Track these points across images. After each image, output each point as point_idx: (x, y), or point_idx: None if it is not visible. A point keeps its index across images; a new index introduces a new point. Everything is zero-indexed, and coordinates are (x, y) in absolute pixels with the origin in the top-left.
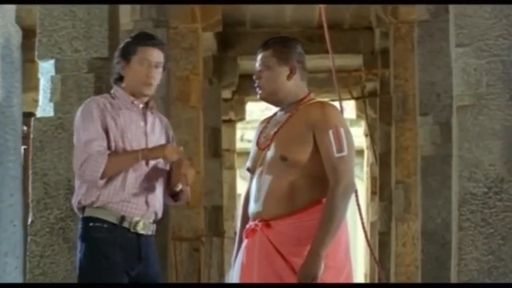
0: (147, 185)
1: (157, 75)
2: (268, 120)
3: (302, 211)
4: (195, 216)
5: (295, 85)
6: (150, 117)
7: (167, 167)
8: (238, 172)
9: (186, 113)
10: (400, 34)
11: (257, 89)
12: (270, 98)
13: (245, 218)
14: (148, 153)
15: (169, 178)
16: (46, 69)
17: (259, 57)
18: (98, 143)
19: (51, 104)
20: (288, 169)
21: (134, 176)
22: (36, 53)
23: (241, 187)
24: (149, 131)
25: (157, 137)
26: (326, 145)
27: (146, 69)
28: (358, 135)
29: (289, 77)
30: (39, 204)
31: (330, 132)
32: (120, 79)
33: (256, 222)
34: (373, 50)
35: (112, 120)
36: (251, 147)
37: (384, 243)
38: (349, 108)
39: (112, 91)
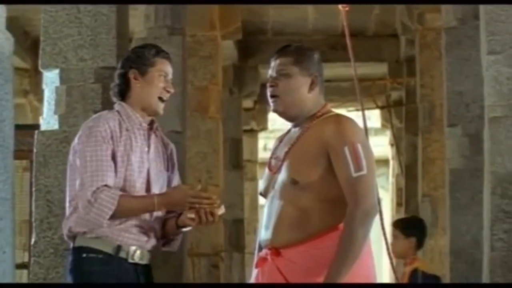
0: (153, 214)
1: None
2: (281, 138)
3: (315, 238)
4: (214, 230)
5: (314, 99)
6: (153, 140)
7: None
8: (260, 182)
9: (205, 124)
10: (426, 41)
11: (271, 100)
12: (287, 111)
13: (260, 246)
14: (162, 202)
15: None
16: (50, 79)
17: (276, 63)
18: (107, 178)
19: (56, 117)
20: (299, 193)
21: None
22: (39, 62)
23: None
24: (152, 157)
25: (160, 165)
26: (342, 164)
27: (164, 82)
28: (383, 145)
29: (310, 89)
30: (42, 224)
31: (346, 149)
32: (123, 93)
33: (267, 250)
34: (398, 58)
35: (120, 146)
36: (266, 168)
37: None
38: (374, 117)
39: (116, 108)
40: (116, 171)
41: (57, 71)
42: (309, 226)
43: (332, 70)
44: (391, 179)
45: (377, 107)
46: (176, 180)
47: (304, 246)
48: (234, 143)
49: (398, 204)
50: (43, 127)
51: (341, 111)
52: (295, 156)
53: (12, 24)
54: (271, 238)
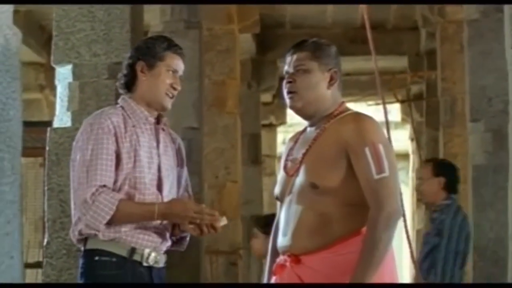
0: None
1: (179, 86)
2: (296, 138)
3: (337, 243)
4: (232, 228)
5: (332, 96)
6: (162, 135)
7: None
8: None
9: (223, 119)
10: (447, 34)
11: (289, 96)
12: (305, 108)
13: (275, 251)
14: (163, 212)
15: None
16: (63, 75)
17: (293, 58)
18: (106, 177)
19: (69, 113)
20: (319, 197)
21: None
22: (52, 57)
23: None
24: (162, 152)
25: (170, 160)
26: (363, 167)
27: (172, 79)
28: (403, 139)
29: (329, 85)
30: (55, 224)
31: (367, 150)
32: (130, 85)
33: (285, 257)
34: (419, 51)
35: (125, 143)
36: (280, 169)
37: None
38: (394, 111)
39: (120, 102)
40: (122, 168)
41: (69, 66)
42: (331, 231)
43: (351, 63)
44: (411, 173)
45: (397, 101)
46: (184, 176)
47: (325, 253)
48: (252, 138)
49: (419, 199)
50: (55, 124)
51: (361, 105)
52: (313, 159)
53: (27, 18)
54: (290, 245)
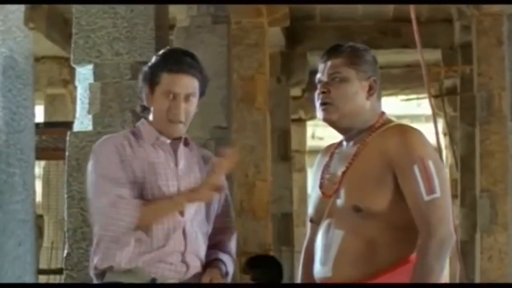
0: (185, 238)
1: (190, 108)
2: (331, 152)
3: (384, 273)
4: (262, 228)
5: (372, 107)
6: (183, 155)
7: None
8: (309, 172)
9: (252, 115)
10: (483, 27)
11: (322, 107)
12: (342, 121)
13: (307, 280)
14: (183, 193)
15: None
16: (83, 75)
17: (327, 65)
18: (123, 189)
19: (90, 116)
20: (363, 221)
21: (163, 227)
22: (71, 57)
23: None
24: (182, 173)
25: (196, 179)
26: (412, 187)
27: (171, 103)
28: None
29: (369, 95)
30: (75, 234)
31: (415, 168)
32: (145, 109)
33: None
34: (453, 45)
35: (132, 164)
36: (311, 187)
37: (466, 253)
38: (426, 104)
39: (137, 124)
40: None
41: (90, 66)
42: (377, 259)
43: (383, 56)
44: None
45: (431, 96)
46: (220, 203)
47: (372, 283)
48: (282, 134)
49: (453, 196)
50: (76, 128)
51: (393, 99)
52: (355, 178)
53: (50, 12)
54: (332, 275)
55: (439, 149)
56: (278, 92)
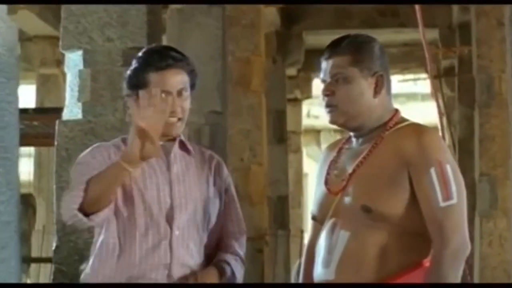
0: (171, 250)
1: (184, 103)
2: (339, 148)
3: (393, 279)
4: (258, 213)
5: (382, 103)
6: (178, 158)
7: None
8: (304, 151)
9: (248, 98)
10: (483, 8)
11: (328, 110)
12: (349, 123)
13: (308, 280)
14: (124, 152)
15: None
16: (73, 61)
17: (328, 63)
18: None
19: (79, 105)
20: (373, 223)
21: (147, 241)
22: (60, 43)
23: (308, 166)
24: (175, 177)
25: (190, 185)
26: (427, 191)
27: (165, 105)
28: (433, 112)
29: (376, 93)
30: (65, 227)
31: (432, 171)
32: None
33: None
34: (451, 24)
35: None
36: (316, 184)
37: None
38: (422, 82)
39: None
40: (117, 206)
41: (80, 52)
42: (386, 264)
43: (381, 36)
44: None
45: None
46: (221, 209)
47: (372, 283)
48: (278, 115)
49: None
50: (65, 116)
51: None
52: (366, 176)
53: None
54: (334, 279)
55: (442, 132)
56: (274, 72)
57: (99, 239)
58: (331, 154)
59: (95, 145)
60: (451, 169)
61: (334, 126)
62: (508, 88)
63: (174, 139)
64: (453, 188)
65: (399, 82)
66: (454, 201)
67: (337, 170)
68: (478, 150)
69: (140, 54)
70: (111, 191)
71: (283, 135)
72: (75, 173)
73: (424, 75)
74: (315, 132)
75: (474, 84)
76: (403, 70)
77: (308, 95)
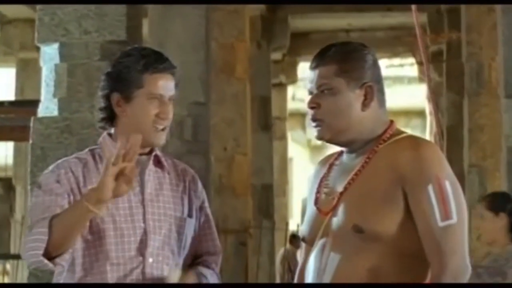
0: (144, 279)
1: (172, 112)
2: (330, 163)
3: None
4: (242, 205)
5: (373, 116)
6: (151, 176)
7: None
8: (289, 135)
9: (231, 86)
10: None
11: (314, 124)
12: (336, 139)
13: None
14: (89, 193)
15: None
16: (48, 55)
17: (315, 74)
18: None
19: (55, 101)
20: (365, 245)
21: (118, 269)
22: (35, 35)
23: (293, 151)
24: (149, 198)
25: (165, 206)
26: (424, 209)
27: (158, 107)
28: (419, 96)
29: (364, 106)
30: None
31: (430, 188)
32: (111, 120)
33: None
34: (439, 9)
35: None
36: (308, 201)
37: None
38: (409, 64)
39: (99, 141)
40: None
41: (56, 45)
42: None
43: (368, 19)
44: (428, 136)
45: (417, 63)
46: (196, 226)
47: (372, 283)
48: (262, 101)
49: None
50: (40, 113)
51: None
52: (358, 194)
53: None
54: None
55: (438, 126)
56: (259, 58)
57: (61, 276)
58: (322, 171)
59: (59, 161)
60: (451, 186)
61: None
62: (500, 77)
63: (149, 153)
64: (453, 207)
65: (387, 68)
66: (453, 220)
67: (327, 188)
68: (467, 140)
69: (134, 51)
70: (76, 233)
71: (267, 123)
72: (36, 207)
73: (411, 60)
74: (300, 116)
75: (463, 71)
76: (390, 54)
77: (293, 79)
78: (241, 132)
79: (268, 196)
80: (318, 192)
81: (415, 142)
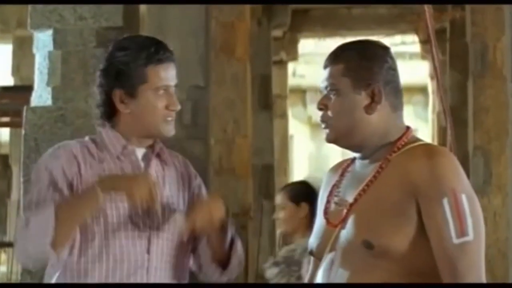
0: (148, 279)
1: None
2: (342, 171)
3: None
4: (243, 188)
5: (383, 121)
6: (154, 167)
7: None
8: (290, 112)
9: (231, 67)
10: None
11: (323, 126)
12: (341, 142)
13: None
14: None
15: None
16: (42, 42)
17: (325, 73)
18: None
19: (49, 89)
20: (375, 261)
21: (122, 268)
22: (28, 21)
23: (294, 128)
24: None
25: (169, 198)
26: (438, 225)
27: (166, 99)
28: (422, 73)
29: (369, 109)
30: None
31: (445, 202)
32: (111, 116)
33: None
34: None
35: (84, 184)
36: (318, 212)
37: None
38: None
39: (98, 130)
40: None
41: (50, 32)
42: None
43: None
44: (430, 114)
45: (420, 41)
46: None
47: (372, 283)
48: (263, 80)
49: (441, 145)
50: (33, 102)
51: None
52: (368, 206)
53: None
54: None
55: (443, 107)
56: (259, 36)
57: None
58: (334, 178)
59: (61, 143)
60: (467, 200)
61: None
62: (506, 58)
63: (152, 145)
64: (469, 223)
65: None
66: (469, 237)
67: (337, 197)
68: (472, 123)
69: (133, 40)
70: (80, 220)
71: (268, 102)
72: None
73: (413, 38)
74: (301, 92)
75: (467, 50)
76: (393, 31)
77: (294, 56)
78: (242, 114)
79: (268, 177)
80: (328, 201)
81: (430, 150)
